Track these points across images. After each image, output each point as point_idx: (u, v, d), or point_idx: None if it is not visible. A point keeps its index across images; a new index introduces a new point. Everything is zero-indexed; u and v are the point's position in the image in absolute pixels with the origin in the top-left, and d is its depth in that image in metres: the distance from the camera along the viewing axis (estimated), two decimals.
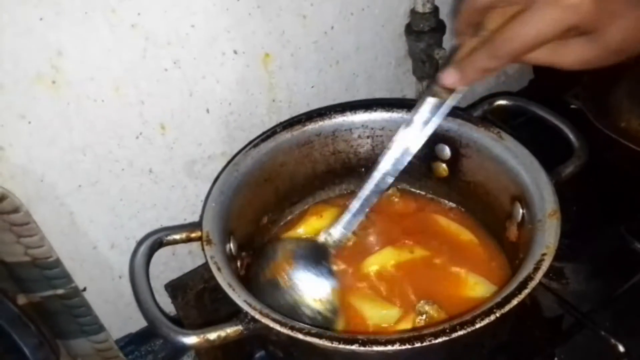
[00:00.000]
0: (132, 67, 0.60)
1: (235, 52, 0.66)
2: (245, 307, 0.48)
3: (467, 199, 0.66)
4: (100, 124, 0.61)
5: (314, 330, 0.46)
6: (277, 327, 0.46)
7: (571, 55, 0.45)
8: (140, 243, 0.57)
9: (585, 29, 0.43)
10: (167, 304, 0.75)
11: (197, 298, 0.69)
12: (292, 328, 0.46)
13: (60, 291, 0.61)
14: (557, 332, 0.61)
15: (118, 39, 0.57)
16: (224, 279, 0.51)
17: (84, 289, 0.68)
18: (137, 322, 0.73)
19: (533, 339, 0.60)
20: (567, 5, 0.42)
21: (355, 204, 0.60)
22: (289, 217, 0.70)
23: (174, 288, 0.70)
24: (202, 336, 0.47)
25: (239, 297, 0.49)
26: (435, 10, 0.76)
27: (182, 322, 0.69)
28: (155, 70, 0.61)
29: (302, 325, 0.46)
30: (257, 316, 0.47)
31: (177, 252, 0.75)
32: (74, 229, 0.65)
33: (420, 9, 0.75)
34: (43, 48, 0.54)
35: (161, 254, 0.73)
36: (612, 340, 0.57)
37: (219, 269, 0.52)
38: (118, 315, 0.72)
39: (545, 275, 0.64)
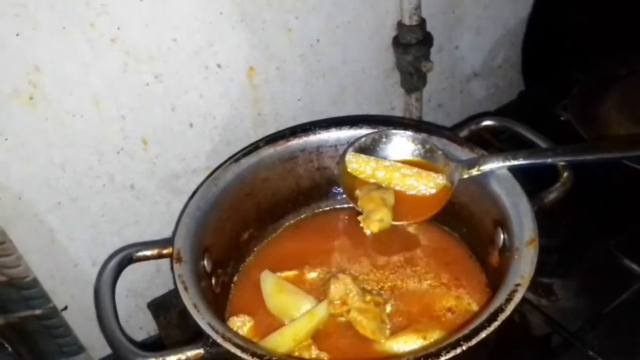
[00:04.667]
0: (113, 82, 0.59)
1: (219, 65, 0.65)
2: (207, 330, 0.47)
3: (453, 221, 0.65)
4: (79, 140, 0.60)
5: (275, 357, 0.45)
6: (238, 352, 0.45)
7: None
8: (109, 258, 0.55)
9: None
10: (152, 322, 0.73)
11: (180, 317, 0.67)
12: (253, 354, 0.45)
13: (38, 311, 0.60)
14: (545, 352, 0.60)
15: (97, 53, 0.56)
16: (190, 299, 0.50)
17: (65, 308, 0.67)
18: None
19: (521, 358, 0.59)
20: None
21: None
22: (271, 233, 0.69)
23: (157, 307, 0.69)
24: (160, 359, 0.47)
25: (202, 318, 0.48)
26: (422, 22, 0.75)
27: (164, 342, 0.68)
28: (136, 85, 0.61)
29: (263, 351, 0.45)
30: (219, 340, 0.46)
31: (162, 269, 0.74)
32: (54, 247, 0.64)
33: (407, 21, 0.74)
34: (20, 64, 0.53)
35: (145, 270, 0.73)
36: None
37: (185, 288, 0.51)
38: (100, 334, 0.71)
39: (535, 292, 0.65)
